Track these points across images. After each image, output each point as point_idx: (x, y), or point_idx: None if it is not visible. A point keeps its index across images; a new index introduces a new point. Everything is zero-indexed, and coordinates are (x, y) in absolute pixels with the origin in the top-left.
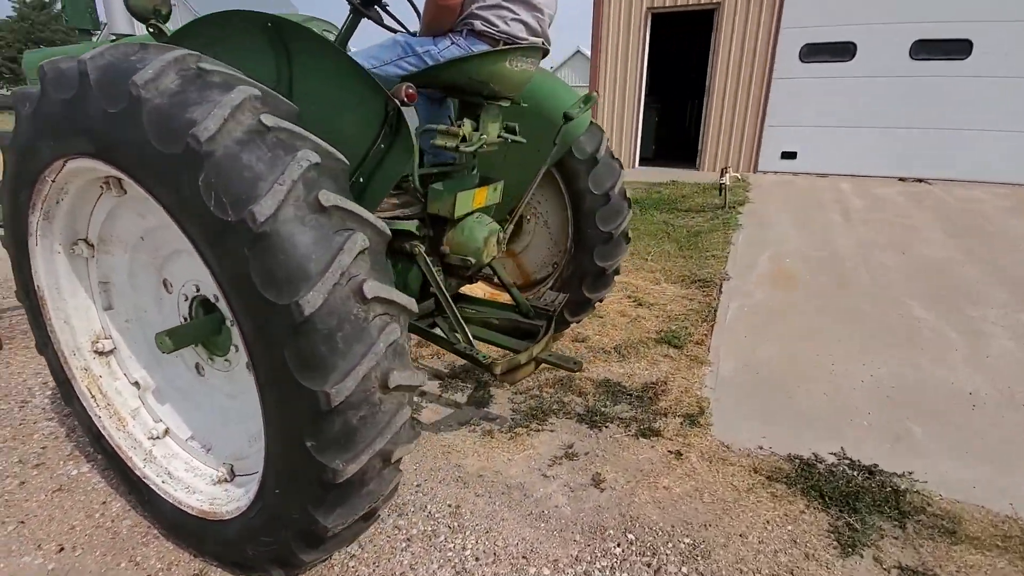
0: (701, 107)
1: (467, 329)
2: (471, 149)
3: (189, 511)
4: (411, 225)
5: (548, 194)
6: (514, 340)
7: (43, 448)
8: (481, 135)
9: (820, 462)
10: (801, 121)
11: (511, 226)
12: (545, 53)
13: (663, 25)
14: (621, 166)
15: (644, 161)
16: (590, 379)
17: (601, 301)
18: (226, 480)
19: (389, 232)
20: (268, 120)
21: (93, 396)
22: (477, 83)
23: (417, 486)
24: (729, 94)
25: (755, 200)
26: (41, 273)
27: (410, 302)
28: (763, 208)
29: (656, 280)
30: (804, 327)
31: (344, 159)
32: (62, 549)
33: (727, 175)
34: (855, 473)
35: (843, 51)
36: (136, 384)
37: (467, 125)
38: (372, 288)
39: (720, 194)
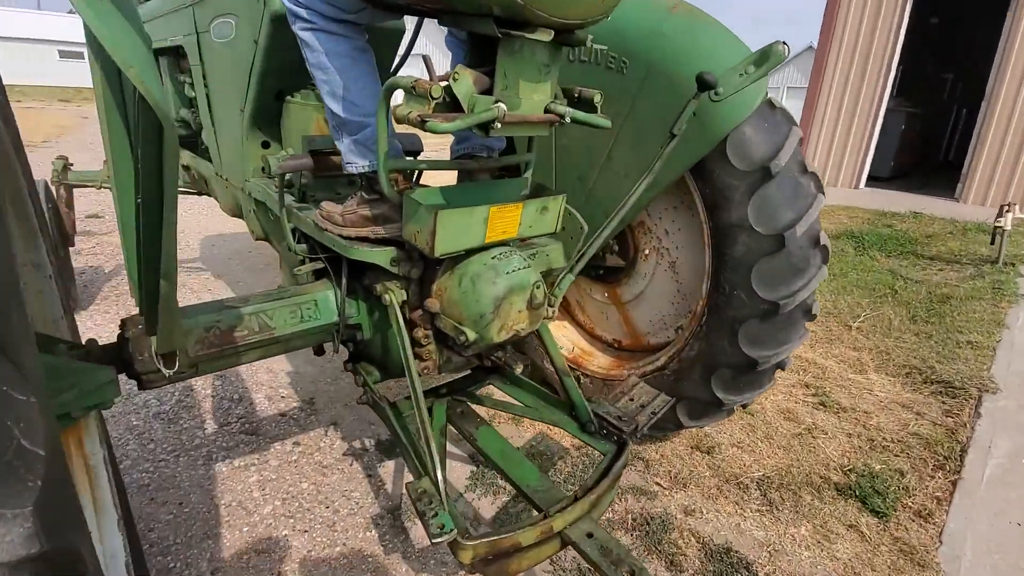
0: (972, 116)
1: (435, 450)
2: (448, 128)
3: None
4: (382, 256)
5: (680, 220)
6: (542, 482)
7: None
8: (496, 101)
9: None
10: None
11: (570, 276)
12: None
13: (927, 7)
14: (820, 189)
15: (874, 180)
16: (696, 534)
17: (745, 407)
18: None
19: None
20: None
21: None
22: None
23: None
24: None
25: None
26: None
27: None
28: None
29: (860, 365)
30: None
31: None
32: None
33: (1009, 214)
34: None
35: None
36: None
37: (465, 78)
38: None
39: (993, 241)
